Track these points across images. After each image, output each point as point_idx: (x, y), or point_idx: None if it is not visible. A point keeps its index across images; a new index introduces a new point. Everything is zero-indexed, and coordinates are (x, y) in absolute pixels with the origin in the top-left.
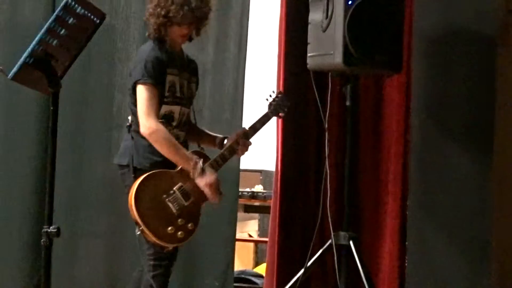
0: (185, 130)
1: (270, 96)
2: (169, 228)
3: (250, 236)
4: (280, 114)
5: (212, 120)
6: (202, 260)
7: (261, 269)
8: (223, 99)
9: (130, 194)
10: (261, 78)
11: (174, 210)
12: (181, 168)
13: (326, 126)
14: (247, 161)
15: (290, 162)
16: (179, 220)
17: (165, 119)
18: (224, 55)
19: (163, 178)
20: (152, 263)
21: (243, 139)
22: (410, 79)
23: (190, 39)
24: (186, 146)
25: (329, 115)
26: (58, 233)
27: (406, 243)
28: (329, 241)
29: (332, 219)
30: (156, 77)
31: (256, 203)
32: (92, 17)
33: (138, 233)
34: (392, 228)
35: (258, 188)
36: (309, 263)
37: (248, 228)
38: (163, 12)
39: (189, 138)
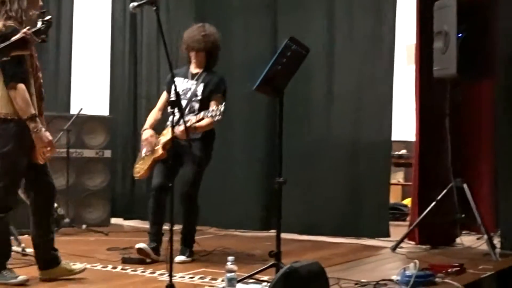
0: None
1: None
2: None
3: (399, 181)
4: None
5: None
6: (370, 197)
7: (407, 202)
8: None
9: None
10: (407, 84)
11: None
12: None
13: (448, 111)
14: (397, 134)
15: (423, 134)
16: None
17: None
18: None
19: None
20: None
21: None
22: (496, 82)
23: None
24: None
25: (449, 104)
26: (285, 182)
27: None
28: (451, 184)
29: (452, 170)
30: None
31: (402, 161)
32: (301, 51)
33: None
34: (488, 177)
35: (403, 151)
36: (438, 198)
37: (398, 177)
38: None
39: None
